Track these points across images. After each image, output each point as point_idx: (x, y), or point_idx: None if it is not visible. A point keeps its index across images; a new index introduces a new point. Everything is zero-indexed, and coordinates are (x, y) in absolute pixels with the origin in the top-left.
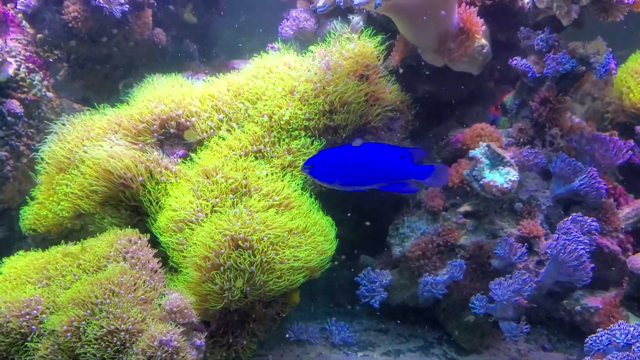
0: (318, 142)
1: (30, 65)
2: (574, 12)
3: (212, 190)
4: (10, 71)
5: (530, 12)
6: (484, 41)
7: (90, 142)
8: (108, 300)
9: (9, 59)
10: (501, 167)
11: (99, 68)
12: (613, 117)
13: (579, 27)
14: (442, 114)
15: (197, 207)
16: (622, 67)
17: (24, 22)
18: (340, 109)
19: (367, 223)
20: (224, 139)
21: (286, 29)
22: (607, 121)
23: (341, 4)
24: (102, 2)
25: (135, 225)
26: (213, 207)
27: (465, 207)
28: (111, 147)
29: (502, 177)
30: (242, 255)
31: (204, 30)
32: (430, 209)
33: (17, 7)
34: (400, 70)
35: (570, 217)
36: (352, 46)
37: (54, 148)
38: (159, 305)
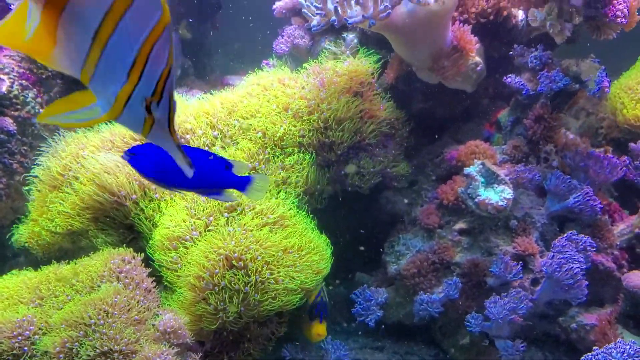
0: (312, 158)
1: (23, 82)
2: (567, 31)
3: (205, 209)
4: (4, 88)
5: (523, 29)
6: (477, 59)
7: (84, 159)
8: (102, 321)
9: (2, 76)
10: (496, 185)
11: None
12: (607, 132)
13: (572, 43)
14: (436, 130)
15: (192, 225)
16: (615, 83)
17: None
18: (335, 126)
19: (362, 248)
20: None
21: (281, 45)
22: (601, 136)
23: (335, 23)
24: None
25: (128, 244)
26: (207, 225)
27: (461, 225)
28: (107, 161)
29: (497, 195)
30: (236, 275)
31: (198, 45)
32: (426, 226)
33: None
34: (395, 87)
35: (565, 235)
36: (346, 64)
37: (48, 165)
38: (153, 325)
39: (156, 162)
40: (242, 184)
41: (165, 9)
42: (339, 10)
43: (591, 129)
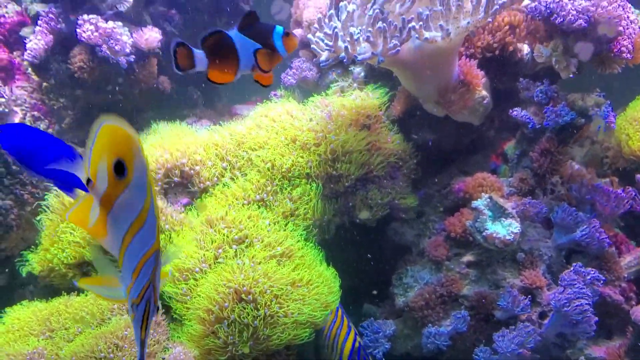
0: (319, 189)
1: (35, 113)
2: (573, 66)
3: (215, 241)
4: (16, 120)
5: (529, 62)
6: (484, 92)
7: None
8: (112, 355)
9: (15, 108)
10: (503, 219)
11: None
12: (612, 162)
13: (577, 74)
14: (443, 161)
15: (201, 257)
16: (621, 115)
17: (29, 69)
18: (343, 157)
19: (369, 279)
20: (228, 187)
21: (289, 77)
22: (606, 166)
23: (345, 60)
24: (108, 52)
25: None
26: (216, 257)
27: (468, 257)
28: None
29: (504, 229)
30: (245, 308)
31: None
32: (434, 259)
33: (25, 58)
34: (402, 119)
35: (572, 268)
36: (353, 97)
37: (60, 194)
38: (163, 359)
39: (24, 144)
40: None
41: (158, 239)
42: (349, 48)
43: (596, 158)
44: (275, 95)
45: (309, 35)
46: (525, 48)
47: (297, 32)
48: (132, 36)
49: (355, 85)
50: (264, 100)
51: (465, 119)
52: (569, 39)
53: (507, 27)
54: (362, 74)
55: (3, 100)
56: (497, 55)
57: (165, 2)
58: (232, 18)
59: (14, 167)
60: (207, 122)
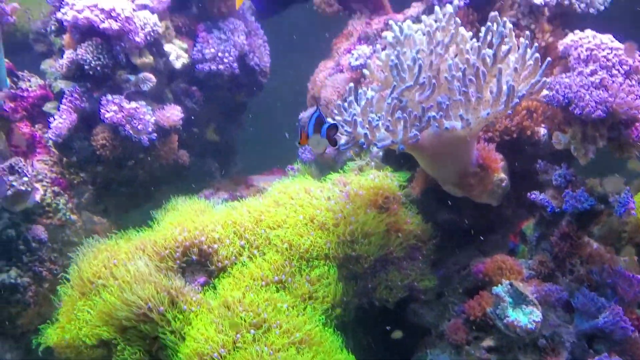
0: (338, 271)
1: (56, 188)
2: (591, 153)
3: (233, 325)
4: (37, 197)
5: (546, 143)
6: (502, 175)
7: (115, 268)
8: None
9: (36, 185)
10: (524, 306)
11: (123, 190)
12: (631, 236)
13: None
14: (462, 241)
15: (220, 342)
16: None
17: (50, 142)
18: (362, 239)
19: None
20: (246, 266)
21: (307, 153)
22: (624, 240)
23: (364, 145)
24: (131, 132)
25: (155, 355)
26: (234, 342)
27: (489, 342)
28: (136, 271)
29: (525, 317)
30: None
31: (225, 146)
32: (454, 342)
33: (49, 137)
34: (421, 200)
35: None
36: (372, 177)
37: (78, 270)
38: None
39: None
40: None
41: None
42: (368, 135)
43: (614, 232)
44: (292, 169)
45: (328, 119)
46: (542, 130)
47: (314, 109)
48: (154, 114)
49: (372, 164)
50: (283, 178)
51: (483, 200)
52: (587, 127)
53: (524, 111)
54: (380, 152)
55: (26, 179)
56: (515, 138)
57: (186, 79)
58: (249, 92)
59: (33, 245)
60: (224, 193)
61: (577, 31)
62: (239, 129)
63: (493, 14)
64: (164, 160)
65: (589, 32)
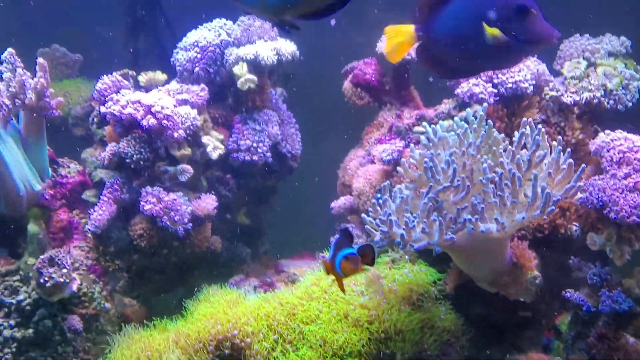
0: None
1: (91, 276)
2: (627, 254)
3: None
4: (74, 287)
5: (578, 238)
6: (536, 272)
7: None
8: None
9: (74, 275)
10: None
11: (157, 277)
12: None
13: None
14: (496, 336)
15: None
16: None
17: (89, 232)
18: (396, 336)
19: None
20: None
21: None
22: None
23: (400, 246)
24: (167, 223)
25: None
26: None
27: None
28: None
29: None
30: None
31: (255, 230)
32: None
33: (88, 228)
34: (454, 295)
35: None
36: (405, 271)
37: None
38: None
39: None
40: None
41: None
42: (405, 236)
43: None
44: (323, 257)
45: (363, 215)
46: (574, 227)
47: (346, 198)
48: (190, 203)
49: (407, 257)
50: (311, 262)
51: (517, 297)
52: (622, 229)
53: (557, 209)
54: None
55: (65, 271)
56: (547, 234)
57: (221, 166)
58: (280, 177)
59: (69, 335)
60: (254, 280)
61: (607, 131)
62: (268, 210)
63: (525, 119)
64: (197, 248)
65: (619, 134)
